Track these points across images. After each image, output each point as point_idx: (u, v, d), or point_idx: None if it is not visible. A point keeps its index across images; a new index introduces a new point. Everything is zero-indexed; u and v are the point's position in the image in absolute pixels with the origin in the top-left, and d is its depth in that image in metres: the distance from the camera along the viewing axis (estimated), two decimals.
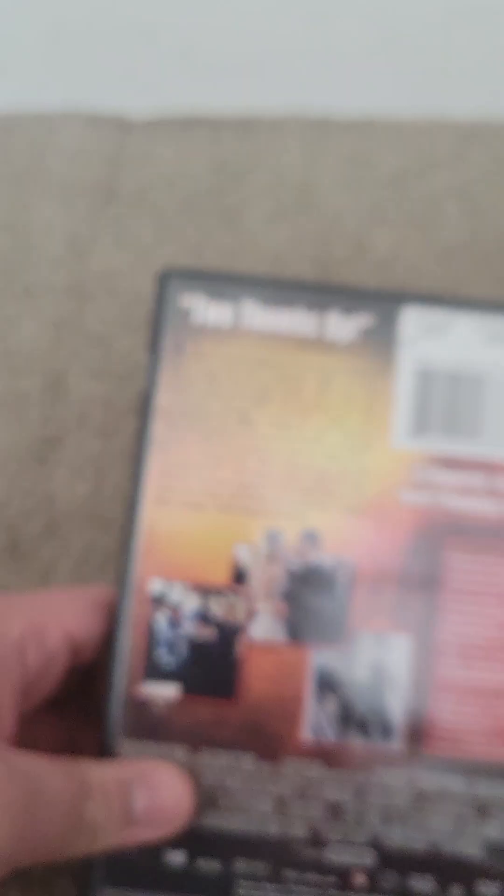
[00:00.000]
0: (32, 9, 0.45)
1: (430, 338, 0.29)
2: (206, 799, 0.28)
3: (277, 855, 0.28)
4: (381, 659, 0.28)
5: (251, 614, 0.29)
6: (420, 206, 0.43)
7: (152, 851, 0.28)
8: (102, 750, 0.28)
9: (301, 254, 0.42)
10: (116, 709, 0.28)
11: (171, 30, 0.45)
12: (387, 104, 0.45)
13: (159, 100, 0.45)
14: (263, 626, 0.28)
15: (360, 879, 0.28)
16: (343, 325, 0.29)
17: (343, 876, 0.28)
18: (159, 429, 0.29)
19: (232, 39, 0.45)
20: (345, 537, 0.29)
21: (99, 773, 0.26)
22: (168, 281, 0.30)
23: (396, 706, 0.28)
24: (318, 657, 0.28)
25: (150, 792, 0.27)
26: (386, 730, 0.28)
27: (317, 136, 0.44)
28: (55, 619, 0.27)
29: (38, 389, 0.39)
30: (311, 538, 0.29)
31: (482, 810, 0.28)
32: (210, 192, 0.43)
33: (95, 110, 0.44)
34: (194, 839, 0.28)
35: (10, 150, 0.44)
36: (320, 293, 0.29)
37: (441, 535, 0.29)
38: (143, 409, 0.29)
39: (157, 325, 0.29)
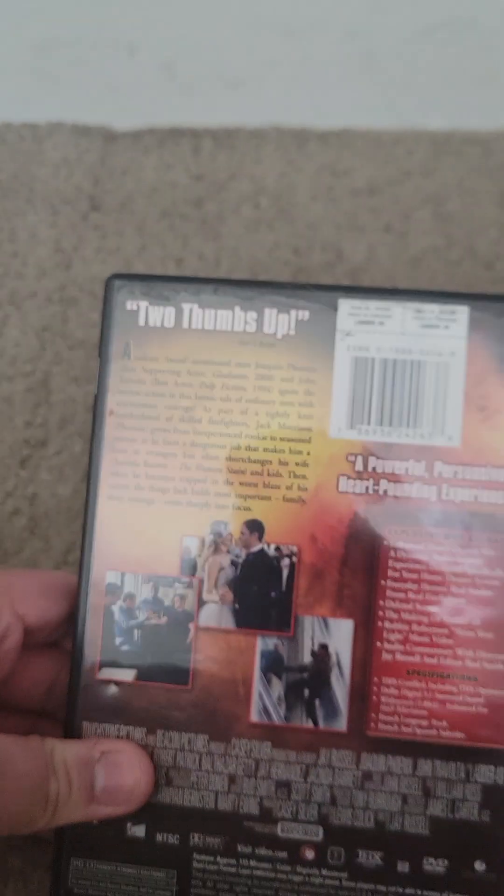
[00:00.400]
0: (20, 23, 0.47)
1: (366, 329, 0.30)
2: (164, 777, 0.30)
3: (231, 830, 0.29)
4: (324, 644, 0.29)
5: (200, 603, 0.30)
6: (394, 213, 0.43)
7: (116, 826, 0.30)
8: (66, 731, 0.30)
9: (279, 260, 0.43)
10: (79, 693, 0.30)
11: (153, 44, 0.46)
12: (362, 115, 0.46)
13: (142, 112, 0.46)
14: (212, 614, 0.30)
15: (309, 855, 0.29)
16: (280, 321, 0.30)
17: (293, 851, 0.29)
18: (109, 429, 0.31)
19: (212, 54, 0.46)
20: (287, 527, 0.30)
21: (63, 751, 0.28)
22: (114, 285, 0.31)
23: (340, 690, 0.29)
24: (265, 643, 0.30)
25: (112, 770, 0.28)
26: (331, 712, 0.29)
27: (294, 147, 0.45)
28: (6, 599, 0.29)
29: (21, 393, 0.41)
30: (254, 528, 0.30)
31: (426, 789, 0.29)
32: (190, 201, 0.44)
33: (81, 121, 0.46)
34: (153, 815, 0.30)
35: None
36: (257, 290, 0.30)
37: (380, 522, 0.29)
38: (95, 411, 0.31)
39: (105, 329, 0.31)
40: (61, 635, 0.31)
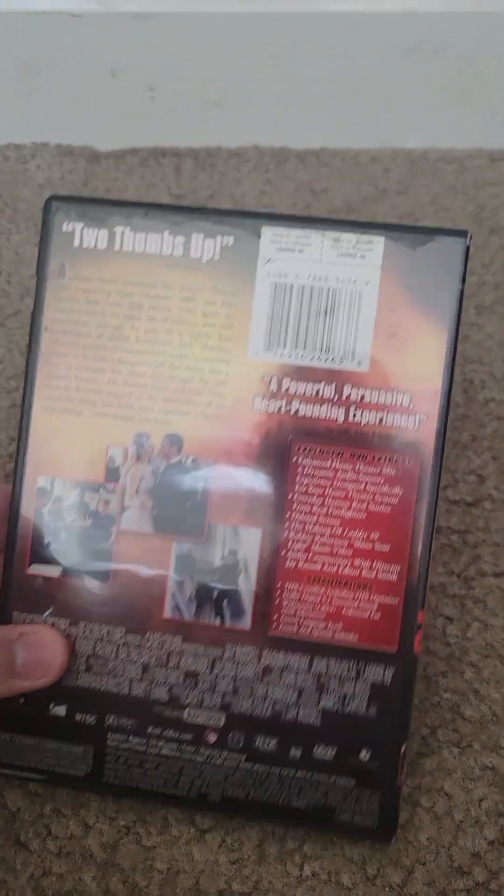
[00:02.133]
0: (4, 46, 0.47)
1: (286, 256, 0.31)
2: (84, 664, 0.32)
3: (142, 713, 0.32)
4: (234, 550, 0.32)
5: (122, 508, 0.32)
6: None
7: (40, 705, 0.33)
8: None
9: None
10: (10, 586, 0.33)
11: (135, 67, 0.46)
12: (340, 135, 0.47)
13: (125, 133, 0.47)
14: (133, 519, 0.32)
15: (211, 738, 0.32)
16: (206, 245, 0.32)
17: (197, 734, 0.32)
18: (44, 344, 0.33)
19: (192, 75, 0.46)
20: (204, 441, 0.32)
21: None
22: (51, 207, 0.33)
23: (247, 592, 0.32)
24: (180, 547, 0.32)
25: (29, 648, 0.31)
26: (237, 612, 0.32)
27: (273, 166, 0.46)
28: None
29: (5, 410, 0.43)
30: (174, 441, 0.32)
31: (320, 684, 0.31)
32: None
33: (65, 142, 0.47)
34: (74, 696, 0.33)
35: None
36: (186, 215, 0.32)
37: (290, 440, 0.31)
38: (32, 327, 0.33)
39: (42, 249, 0.33)
40: None
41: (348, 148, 0.46)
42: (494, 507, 0.40)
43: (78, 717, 0.32)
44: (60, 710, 0.32)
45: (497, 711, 0.36)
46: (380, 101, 0.46)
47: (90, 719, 0.32)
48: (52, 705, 0.32)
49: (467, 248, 0.31)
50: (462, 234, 0.30)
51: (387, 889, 0.32)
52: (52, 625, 0.32)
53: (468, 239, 0.31)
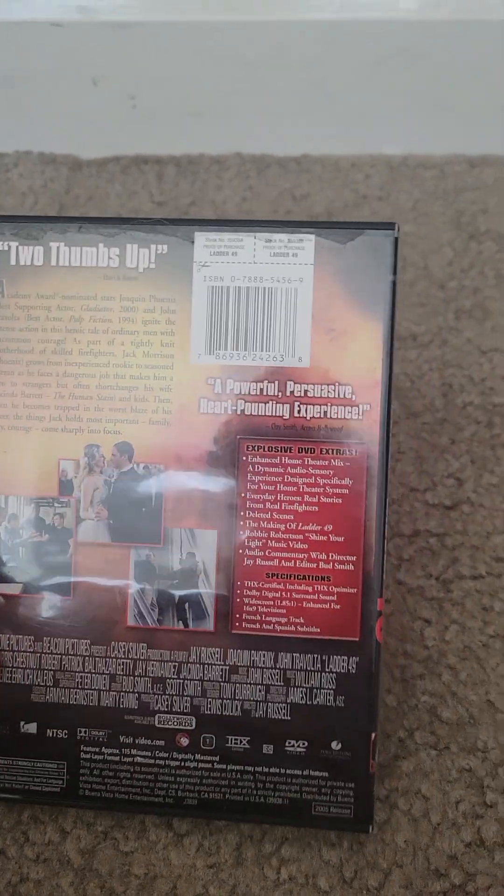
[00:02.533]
0: None
1: (220, 259, 0.32)
2: (52, 679, 0.32)
3: (113, 723, 0.32)
4: (192, 553, 0.32)
5: (78, 520, 0.32)
6: None
7: (10, 724, 0.32)
8: None
9: None
10: None
11: (116, 76, 0.46)
12: (320, 142, 0.47)
13: (107, 141, 0.48)
14: (89, 530, 0.32)
15: (183, 742, 0.32)
16: (141, 255, 0.32)
17: (169, 739, 0.32)
18: None
19: (173, 84, 0.47)
20: (154, 447, 0.32)
21: None
22: None
23: (207, 593, 0.32)
24: (138, 554, 0.32)
25: None
26: (199, 614, 0.32)
27: (255, 172, 0.46)
28: None
29: None
30: (124, 450, 0.32)
31: (287, 679, 0.32)
32: None
33: (47, 150, 0.47)
34: (43, 713, 0.32)
35: None
36: (119, 227, 0.32)
37: (238, 439, 0.32)
38: None
39: None
40: None
41: (329, 154, 0.47)
42: (472, 510, 0.40)
43: (49, 733, 0.32)
44: (31, 728, 0.32)
45: (474, 713, 0.36)
46: (359, 109, 0.46)
47: (62, 734, 0.32)
48: (22, 724, 0.32)
49: (396, 240, 0.31)
50: (390, 226, 0.31)
51: (364, 892, 0.33)
52: (17, 643, 0.32)
53: (396, 230, 0.31)
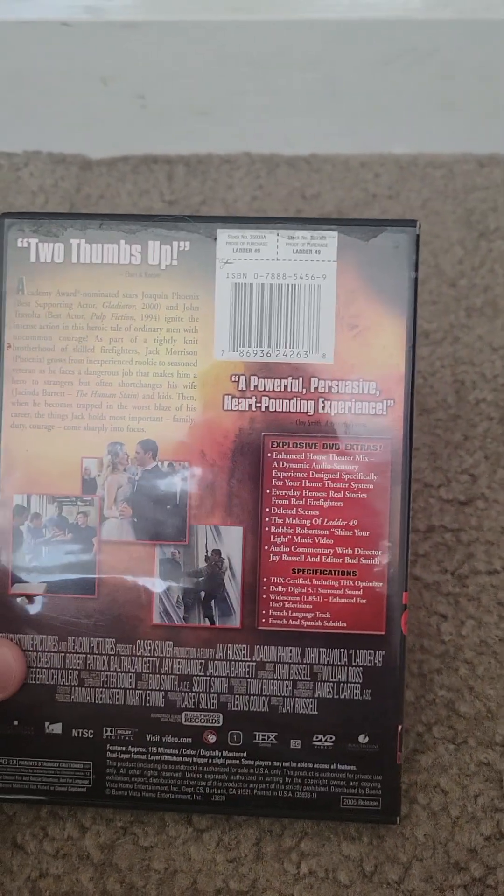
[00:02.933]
0: None
1: (243, 256, 0.32)
2: (77, 679, 0.32)
3: (140, 722, 0.32)
4: (217, 550, 0.32)
5: (102, 519, 0.32)
6: None
7: (35, 725, 0.32)
8: None
9: None
10: None
11: (125, 76, 0.46)
12: (329, 142, 0.47)
13: (116, 141, 0.47)
14: (113, 529, 0.32)
15: (211, 739, 0.32)
16: (163, 252, 0.32)
17: (196, 737, 0.32)
18: (8, 362, 0.32)
19: (182, 84, 0.46)
20: (178, 444, 0.32)
21: None
22: (4, 224, 0.32)
23: (233, 590, 0.32)
24: (163, 552, 0.32)
25: None
26: (225, 611, 0.32)
27: (265, 172, 0.46)
28: None
29: None
30: (148, 447, 0.32)
31: (313, 674, 0.32)
32: None
33: (58, 150, 0.47)
34: (69, 713, 0.32)
35: None
36: (140, 224, 0.32)
37: (262, 435, 0.32)
38: None
39: None
40: None
41: (338, 154, 0.47)
42: (487, 505, 0.41)
43: (75, 733, 0.32)
44: (57, 728, 0.32)
45: (492, 708, 0.36)
46: (367, 108, 0.46)
47: (87, 734, 0.32)
48: (47, 724, 0.32)
49: (417, 237, 0.31)
50: (411, 223, 0.31)
51: (384, 886, 0.33)
52: (41, 643, 0.32)
53: (418, 227, 0.31)
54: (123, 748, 0.32)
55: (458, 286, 0.45)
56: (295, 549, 0.32)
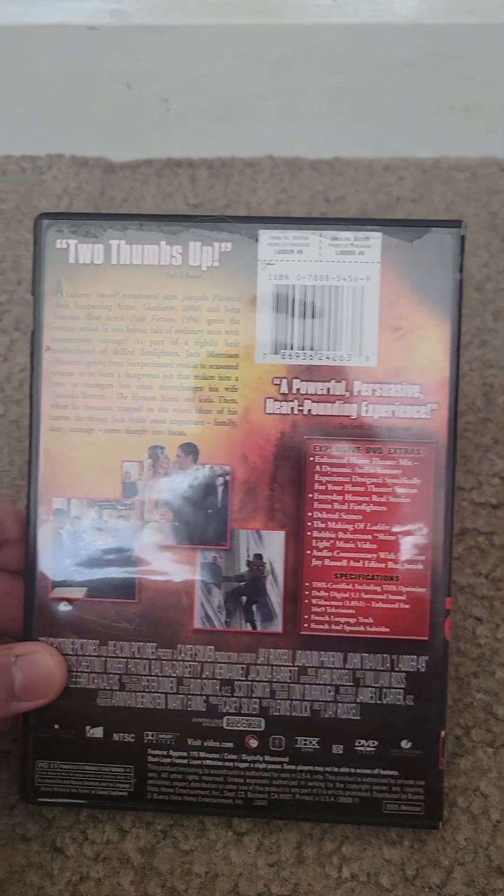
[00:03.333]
0: (20, 60, 0.46)
1: (286, 258, 0.31)
2: (118, 683, 0.32)
3: (181, 727, 0.32)
4: (259, 554, 0.32)
5: (143, 522, 0.32)
6: None
7: (76, 729, 0.32)
8: None
9: None
10: (34, 612, 0.32)
11: (149, 79, 0.46)
12: (352, 145, 0.47)
13: (140, 144, 0.47)
14: (154, 532, 0.32)
15: (252, 744, 0.32)
16: (204, 253, 0.32)
17: (238, 741, 0.32)
18: (47, 365, 0.32)
19: (205, 87, 0.46)
20: (219, 447, 0.32)
21: None
22: (42, 225, 0.32)
23: (275, 594, 0.32)
24: (204, 556, 0.32)
25: (27, 669, 0.31)
26: (267, 615, 0.32)
27: (289, 175, 0.46)
28: None
29: (28, 417, 0.42)
30: (189, 450, 0.32)
31: (356, 679, 0.32)
32: None
33: (81, 153, 0.47)
34: (110, 717, 0.32)
35: (1, 190, 0.47)
36: (181, 224, 0.32)
37: (305, 439, 0.31)
38: (32, 348, 0.32)
39: (37, 268, 0.32)
40: None
41: (361, 157, 0.46)
42: None
43: (116, 737, 0.32)
44: (98, 732, 0.32)
45: None
46: (390, 112, 0.46)
47: (129, 738, 0.32)
48: (88, 728, 0.32)
49: (462, 238, 0.31)
50: (457, 224, 0.31)
51: (426, 890, 0.33)
52: (81, 648, 0.32)
53: (463, 228, 0.31)
54: (165, 752, 0.32)
55: (483, 290, 0.44)
56: (337, 553, 0.31)
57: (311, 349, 0.31)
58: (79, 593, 0.32)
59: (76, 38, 0.44)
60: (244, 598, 0.32)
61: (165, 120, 0.46)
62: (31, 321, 0.32)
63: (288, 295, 0.31)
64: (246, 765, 0.32)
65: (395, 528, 0.31)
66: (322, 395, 0.31)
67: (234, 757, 0.32)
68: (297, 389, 0.31)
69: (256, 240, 0.31)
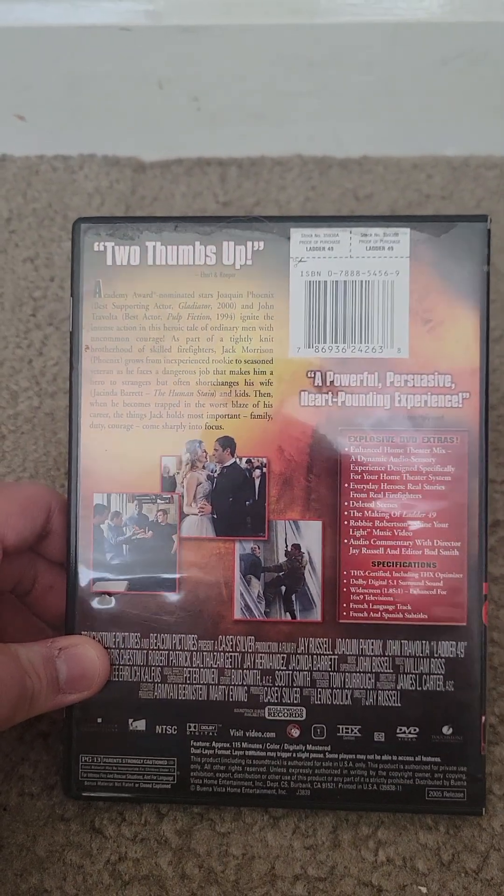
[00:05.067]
0: (55, 61, 0.47)
1: (317, 254, 0.32)
2: (159, 676, 0.33)
3: (223, 718, 0.32)
4: (297, 544, 0.32)
5: (182, 516, 0.33)
6: None
7: (119, 722, 0.33)
8: None
9: None
10: (76, 606, 0.33)
11: (180, 79, 0.47)
12: (381, 144, 0.48)
13: (170, 143, 0.48)
14: (193, 526, 0.33)
15: (294, 733, 0.32)
16: (238, 252, 0.33)
17: (280, 731, 0.32)
18: (86, 363, 0.33)
19: (236, 88, 0.47)
20: (256, 441, 0.32)
21: (27, 653, 0.30)
22: (80, 228, 0.33)
23: (314, 584, 0.32)
24: (243, 547, 0.32)
25: (71, 662, 0.31)
26: (306, 605, 0.32)
27: (318, 173, 0.47)
28: None
29: (63, 409, 0.43)
30: (226, 444, 0.33)
31: (396, 666, 0.32)
32: None
33: (112, 153, 0.48)
34: (152, 709, 0.33)
35: (34, 189, 0.48)
36: (215, 225, 0.33)
37: (340, 430, 0.32)
38: (72, 347, 0.33)
39: (75, 271, 0.33)
40: (36, 542, 0.34)
41: (390, 155, 0.47)
42: None
43: (159, 729, 0.32)
44: (140, 725, 0.33)
45: None
46: (419, 110, 0.47)
47: (171, 730, 0.32)
48: (131, 721, 0.33)
49: (489, 231, 0.32)
50: (482, 218, 0.32)
51: (462, 875, 0.33)
52: (123, 641, 0.32)
53: (489, 222, 0.32)
54: (207, 744, 0.32)
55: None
56: (374, 542, 0.32)
57: (344, 342, 0.32)
58: (120, 587, 0.33)
59: (110, 39, 0.45)
60: (283, 588, 0.32)
61: (195, 119, 0.47)
62: (70, 322, 0.33)
63: (320, 290, 0.32)
64: (288, 754, 0.32)
65: (431, 515, 0.32)
66: (356, 386, 0.32)
67: (277, 747, 0.32)
68: (332, 382, 0.32)
69: (288, 238, 0.32)
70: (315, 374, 0.32)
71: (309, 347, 0.32)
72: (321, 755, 0.32)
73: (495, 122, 0.47)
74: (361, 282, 0.32)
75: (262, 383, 0.32)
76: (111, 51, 0.45)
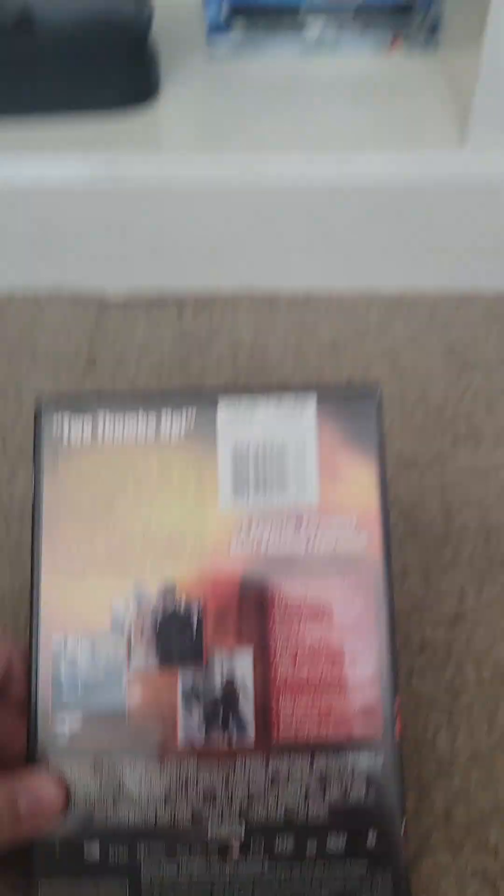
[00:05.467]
0: (22, 206, 0.53)
1: (241, 422, 0.39)
2: (112, 798, 0.36)
3: (169, 836, 0.36)
4: (232, 670, 0.37)
5: (130, 652, 0.37)
6: (354, 367, 0.52)
7: (75, 846, 0.36)
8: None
9: None
10: (36, 734, 0.37)
11: (140, 224, 0.53)
12: (324, 280, 0.54)
13: (132, 281, 0.54)
14: (141, 659, 0.37)
15: (235, 847, 0.36)
16: (174, 422, 0.39)
17: (223, 847, 0.36)
18: (46, 520, 0.39)
19: (192, 231, 0.54)
20: (194, 583, 0.38)
21: None
22: (41, 410, 0.39)
23: (247, 706, 0.37)
24: (184, 677, 0.37)
25: (30, 796, 0.35)
26: (241, 727, 0.36)
27: (266, 310, 0.54)
28: None
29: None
30: (168, 588, 0.38)
31: (323, 780, 0.36)
32: (176, 360, 0.52)
33: (77, 291, 0.54)
34: (105, 832, 0.36)
35: (3, 326, 0.54)
36: (154, 398, 0.39)
37: (265, 570, 0.37)
38: (33, 507, 0.39)
39: (36, 448, 0.39)
40: None
41: (331, 293, 0.53)
42: (475, 621, 0.45)
43: (111, 850, 0.36)
44: (94, 848, 0.36)
45: (485, 815, 0.40)
46: (357, 251, 0.53)
47: (122, 851, 0.36)
48: (85, 844, 0.36)
49: (379, 402, 0.39)
50: (373, 392, 0.39)
51: None
52: (78, 766, 0.36)
53: (378, 394, 0.39)
54: (156, 864, 0.36)
55: (444, 415, 0.51)
56: (300, 668, 0.37)
57: (265, 495, 0.38)
58: (75, 717, 0.37)
59: (72, 188, 0.51)
60: (221, 713, 0.37)
61: (155, 260, 0.53)
62: (32, 491, 0.39)
63: (243, 452, 0.38)
64: (231, 869, 0.35)
65: (347, 643, 0.37)
66: (276, 534, 0.38)
67: (220, 864, 0.35)
68: (255, 530, 0.38)
69: (216, 406, 0.39)
70: (241, 524, 0.38)
71: (235, 502, 0.38)
72: (260, 867, 0.35)
73: (426, 259, 0.53)
74: (278, 443, 0.38)
75: (196, 535, 0.38)
76: (73, 198, 0.52)
